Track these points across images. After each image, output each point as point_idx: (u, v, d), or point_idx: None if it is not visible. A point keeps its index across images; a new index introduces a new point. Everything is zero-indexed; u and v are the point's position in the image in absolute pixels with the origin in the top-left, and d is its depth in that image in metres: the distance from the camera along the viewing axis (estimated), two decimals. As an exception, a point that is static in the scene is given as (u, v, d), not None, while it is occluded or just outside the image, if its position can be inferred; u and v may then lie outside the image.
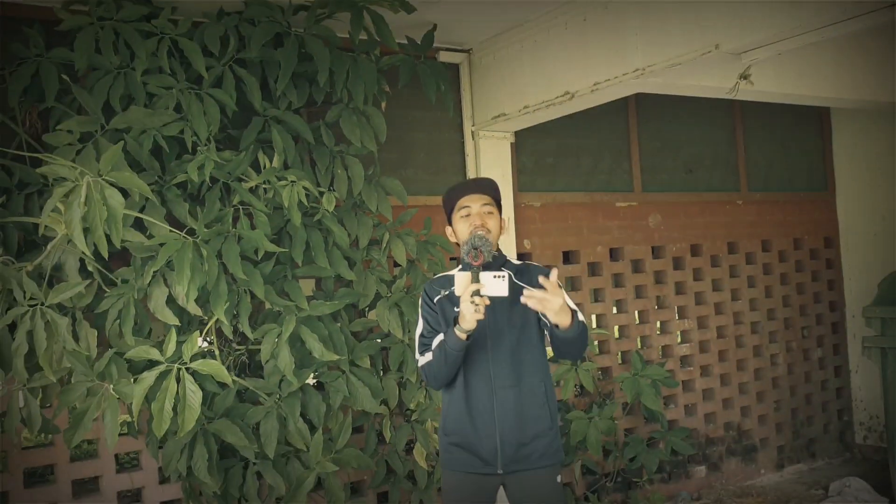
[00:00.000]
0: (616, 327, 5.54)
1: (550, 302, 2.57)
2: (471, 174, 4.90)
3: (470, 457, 2.82)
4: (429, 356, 2.82)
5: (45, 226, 3.31)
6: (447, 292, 2.90)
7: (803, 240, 6.50)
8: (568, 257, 5.40)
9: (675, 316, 5.80)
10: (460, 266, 3.03)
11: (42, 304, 3.11)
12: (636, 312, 5.64)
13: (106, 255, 2.99)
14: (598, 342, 5.35)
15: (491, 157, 4.94)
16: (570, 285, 5.39)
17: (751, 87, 3.65)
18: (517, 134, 5.09)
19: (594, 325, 5.43)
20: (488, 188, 2.97)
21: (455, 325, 2.72)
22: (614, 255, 5.57)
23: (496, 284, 2.67)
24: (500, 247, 3.01)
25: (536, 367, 2.89)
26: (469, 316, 2.62)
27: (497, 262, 2.92)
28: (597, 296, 5.49)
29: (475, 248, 2.73)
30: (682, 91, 4.38)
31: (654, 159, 5.79)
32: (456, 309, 2.78)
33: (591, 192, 5.46)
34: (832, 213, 6.67)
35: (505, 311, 2.84)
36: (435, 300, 2.91)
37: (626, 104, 5.62)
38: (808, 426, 6.36)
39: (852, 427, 6.62)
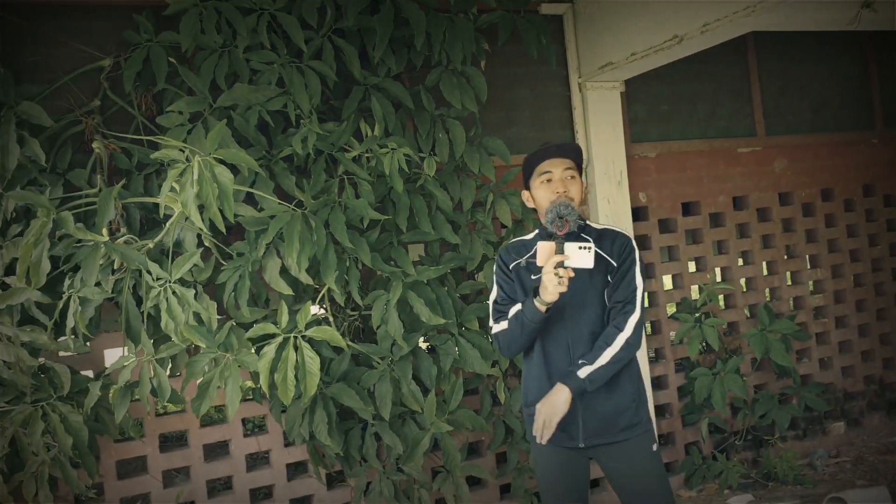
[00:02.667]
0: (742, 280, 5.29)
1: (551, 419, 2.64)
2: (579, 128, 4.77)
3: (555, 431, 2.71)
4: (504, 325, 2.73)
5: (164, 205, 3.50)
6: (524, 259, 2.78)
7: (952, 177, 5.99)
8: (687, 209, 5.19)
9: (807, 265, 5.48)
10: (536, 232, 2.90)
11: (169, 280, 3.28)
12: (764, 263, 5.37)
13: (223, 230, 3.10)
14: (724, 296, 5.13)
15: (600, 109, 4.78)
16: (692, 238, 5.18)
17: (875, 14, 3.33)
18: (627, 83, 4.90)
19: (718, 279, 5.21)
20: (571, 152, 2.82)
21: (535, 295, 2.62)
22: (738, 203, 5.31)
23: (581, 255, 2.55)
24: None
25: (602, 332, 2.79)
26: (552, 288, 2.53)
27: (578, 227, 2.81)
28: (720, 247, 5.26)
29: (560, 217, 2.62)
30: (799, 26, 4.07)
31: (777, 101, 5.45)
32: (533, 277, 2.71)
33: (709, 139, 5.21)
34: None
35: (585, 280, 2.70)
36: (510, 267, 2.81)
37: (745, 44, 5.30)
38: (962, 378, 5.90)
39: None
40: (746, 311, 5.25)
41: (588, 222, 2.86)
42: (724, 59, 5.21)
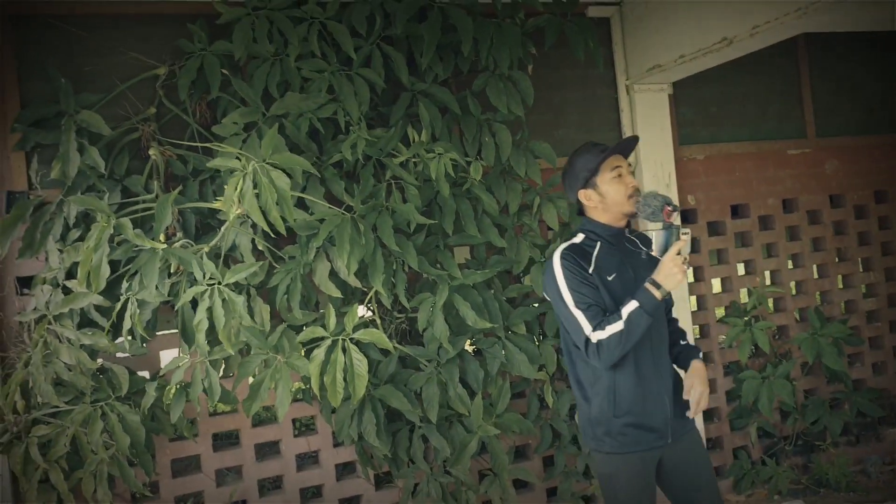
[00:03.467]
0: (792, 283, 5.22)
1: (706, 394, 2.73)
2: (626, 130, 4.75)
3: (645, 434, 2.73)
4: (616, 327, 2.59)
5: (219, 210, 3.58)
6: (645, 252, 2.84)
7: None
8: (736, 211, 5.14)
9: (859, 268, 5.39)
10: (584, 236, 2.88)
11: (219, 283, 3.36)
12: (814, 267, 5.29)
13: (284, 232, 3.18)
14: (774, 300, 5.07)
15: (648, 111, 4.76)
16: (740, 240, 5.13)
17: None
18: (675, 85, 4.88)
19: (767, 282, 5.15)
20: (632, 145, 2.92)
21: (653, 286, 2.59)
22: (788, 206, 5.24)
23: (687, 242, 2.61)
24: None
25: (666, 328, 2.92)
26: (681, 275, 2.55)
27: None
28: (770, 251, 5.19)
29: (669, 205, 2.63)
30: (849, 27, 4.01)
31: (828, 102, 5.36)
32: (609, 277, 2.75)
33: (758, 141, 5.15)
34: None
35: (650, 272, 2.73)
36: (591, 271, 2.76)
37: (796, 45, 5.23)
38: None
39: None
40: (796, 315, 5.18)
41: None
42: (773, 59, 5.15)
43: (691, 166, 4.94)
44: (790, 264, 5.25)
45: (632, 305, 2.59)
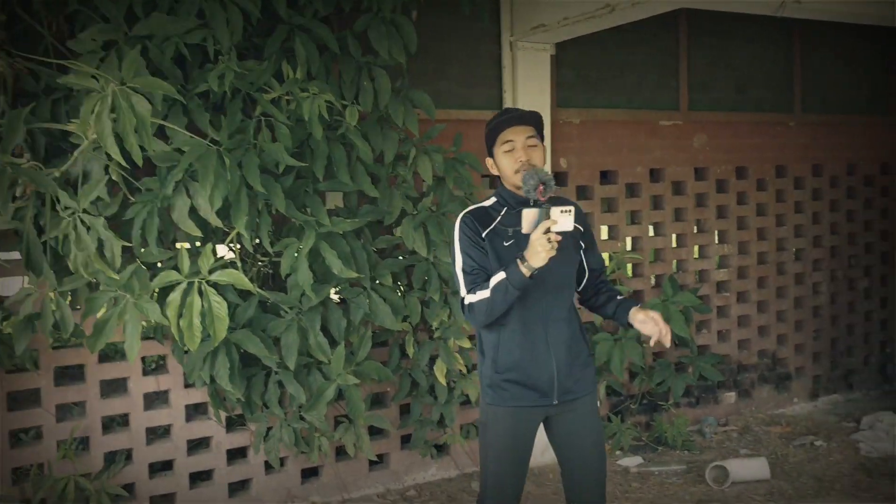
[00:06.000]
0: (652, 250, 5.42)
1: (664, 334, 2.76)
2: (507, 87, 4.75)
3: (526, 391, 2.77)
4: (484, 294, 2.67)
5: (72, 132, 3.34)
6: (511, 230, 2.77)
7: (858, 165, 6.22)
8: (606, 177, 5.26)
9: (715, 240, 5.65)
10: (494, 199, 2.87)
11: (77, 211, 3.15)
12: (674, 236, 5.51)
13: (140, 163, 2.99)
14: (632, 265, 5.24)
15: (529, 69, 4.76)
16: (607, 206, 5.27)
17: (799, 6, 3.40)
18: (558, 46, 4.89)
19: (629, 248, 5.33)
20: (531, 119, 2.83)
21: (522, 261, 2.60)
22: (655, 176, 5.40)
23: (564, 220, 2.59)
24: None
25: (573, 299, 2.92)
26: (545, 254, 2.55)
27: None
28: (633, 218, 5.36)
29: (543, 184, 2.62)
30: (726, 7, 4.13)
31: (703, 76, 5.53)
32: (505, 243, 2.75)
33: (633, 110, 5.27)
34: (892, 138, 6.34)
35: (569, 237, 2.74)
36: (483, 236, 2.77)
37: (677, 19, 5.34)
38: (848, 357, 6.22)
39: (894, 359, 6.46)
40: (652, 281, 5.39)
41: None
42: (655, 31, 5.25)
43: (566, 129, 5.00)
44: (651, 232, 5.43)
45: (499, 277, 2.66)
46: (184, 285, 3.20)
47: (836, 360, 6.16)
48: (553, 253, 2.55)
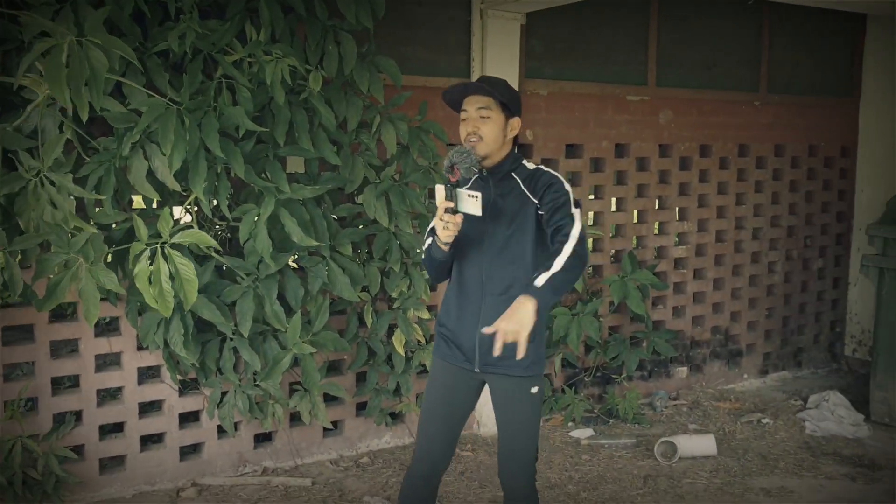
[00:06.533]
0: (612, 226, 5.44)
1: (518, 331, 2.43)
2: (475, 55, 4.69)
3: (454, 349, 2.83)
4: (423, 254, 2.87)
5: (26, 87, 3.22)
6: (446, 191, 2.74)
7: (819, 147, 6.28)
8: (571, 150, 5.24)
9: (675, 217, 5.69)
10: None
11: (42, 171, 3.07)
12: (635, 212, 5.53)
13: (84, 118, 2.90)
14: (593, 240, 5.26)
15: (498, 38, 4.70)
16: (571, 180, 5.26)
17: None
18: (529, 16, 4.83)
19: (590, 223, 5.34)
20: (484, 89, 2.71)
21: (435, 234, 2.67)
22: (620, 151, 5.40)
23: (470, 203, 2.61)
24: (515, 150, 2.81)
25: (527, 277, 2.67)
26: (440, 233, 2.61)
27: (504, 167, 2.75)
28: (597, 192, 5.36)
29: (452, 165, 2.61)
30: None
31: (672, 52, 5.51)
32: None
33: (602, 84, 5.24)
34: (853, 122, 6.40)
35: (503, 215, 2.72)
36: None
37: (649, -7, 5.31)
38: (798, 335, 6.35)
39: (843, 339, 6.62)
40: (611, 256, 5.41)
41: (525, 162, 2.80)
42: (626, 4, 5.21)
43: (533, 101, 4.96)
44: (613, 207, 5.45)
45: (428, 241, 2.80)
46: (147, 252, 3.13)
47: (787, 338, 6.28)
48: (449, 233, 2.60)
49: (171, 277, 3.21)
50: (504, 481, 2.85)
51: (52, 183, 3.09)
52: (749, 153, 5.92)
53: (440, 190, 2.62)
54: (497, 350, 2.47)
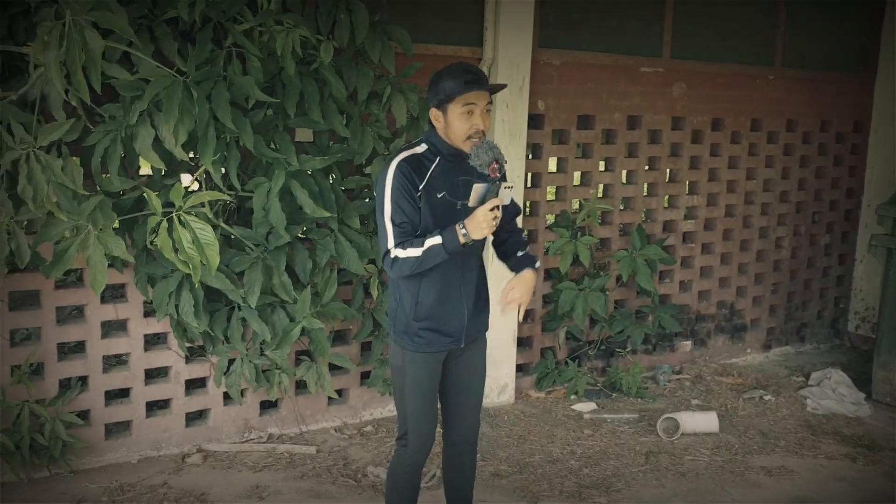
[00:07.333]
0: (622, 198, 5.40)
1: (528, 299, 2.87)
2: (489, 24, 4.59)
3: (441, 338, 2.87)
4: (414, 252, 2.67)
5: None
6: (459, 203, 2.74)
7: (831, 122, 6.21)
8: (583, 122, 5.18)
9: (685, 191, 5.64)
10: (426, 147, 2.80)
11: (32, 146, 3.03)
12: (645, 185, 5.48)
13: (87, 100, 2.87)
14: (601, 213, 5.22)
15: (512, 7, 4.60)
16: (582, 152, 5.21)
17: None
18: (544, -17, 4.74)
19: (600, 194, 5.30)
20: (497, 88, 2.81)
21: (462, 230, 2.63)
22: (632, 123, 5.33)
23: (507, 196, 2.65)
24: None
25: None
26: (487, 230, 2.61)
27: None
28: (608, 165, 5.31)
29: (497, 162, 2.60)
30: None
31: (688, 24, 5.41)
32: (438, 195, 2.74)
33: (616, 55, 5.15)
34: (868, 97, 6.32)
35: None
36: (420, 188, 2.73)
37: (666, -38, 5.20)
38: (802, 310, 6.35)
39: (847, 315, 6.62)
40: (619, 229, 5.37)
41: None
42: (643, -27, 5.11)
43: (546, 71, 4.89)
44: (624, 180, 5.40)
45: (435, 240, 2.66)
46: (165, 223, 3.10)
47: (791, 313, 6.28)
48: (494, 228, 2.63)
49: (193, 242, 3.19)
50: (466, 431, 3.05)
51: (39, 161, 3.04)
52: (761, 127, 5.85)
53: (479, 188, 2.61)
54: (503, 310, 2.90)
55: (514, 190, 2.74)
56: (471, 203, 2.63)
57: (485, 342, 3.05)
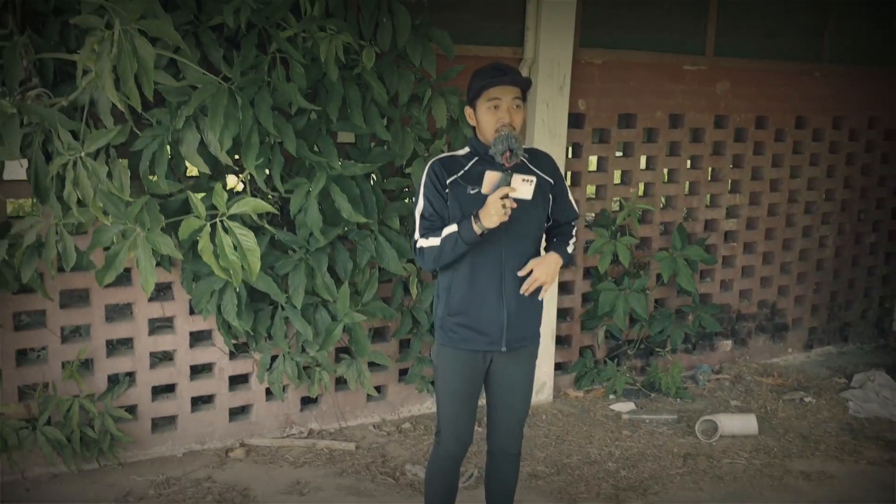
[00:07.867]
0: (663, 197, 5.37)
1: (548, 280, 2.86)
2: (530, 23, 4.59)
3: (476, 335, 2.87)
4: (434, 241, 2.76)
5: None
6: (469, 189, 2.78)
7: (879, 118, 6.09)
8: (624, 121, 5.15)
9: (728, 189, 5.59)
10: (468, 150, 2.88)
11: (79, 152, 3.11)
12: (687, 183, 5.44)
13: (139, 108, 2.94)
14: (642, 212, 5.19)
15: (554, 7, 4.58)
16: (623, 150, 5.19)
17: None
18: (586, -18, 4.71)
19: (640, 193, 5.27)
20: (520, 81, 2.80)
21: (475, 219, 2.67)
22: (674, 121, 5.29)
23: (524, 188, 2.66)
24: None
25: (537, 250, 2.96)
26: (497, 218, 2.63)
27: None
28: (649, 163, 5.28)
29: (510, 150, 2.64)
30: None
31: (732, 22, 5.33)
32: (470, 191, 2.76)
33: (658, 53, 5.11)
34: (919, 93, 6.19)
35: (527, 204, 2.77)
36: (448, 183, 2.80)
37: (710, -42, 5.13)
38: (846, 310, 6.26)
39: (892, 314, 6.51)
40: (661, 228, 5.34)
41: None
42: (687, -30, 5.05)
43: (587, 70, 4.87)
44: (665, 178, 5.36)
45: (451, 229, 2.74)
46: (208, 228, 3.17)
47: (834, 312, 6.20)
48: (505, 218, 2.65)
49: (235, 248, 3.25)
50: (506, 443, 3.04)
51: (86, 167, 3.12)
52: (806, 125, 5.76)
53: (491, 176, 2.67)
54: (524, 290, 2.84)
55: (564, 191, 2.79)
56: (483, 191, 2.68)
57: (532, 357, 3.00)
